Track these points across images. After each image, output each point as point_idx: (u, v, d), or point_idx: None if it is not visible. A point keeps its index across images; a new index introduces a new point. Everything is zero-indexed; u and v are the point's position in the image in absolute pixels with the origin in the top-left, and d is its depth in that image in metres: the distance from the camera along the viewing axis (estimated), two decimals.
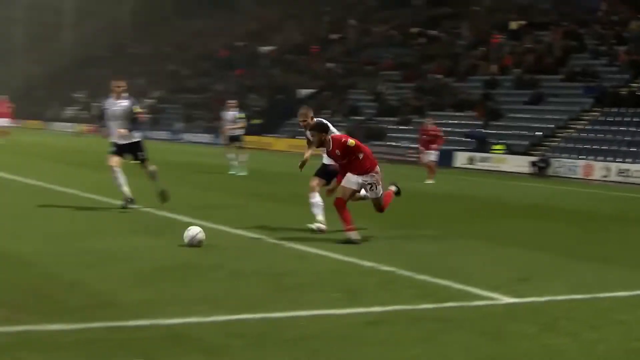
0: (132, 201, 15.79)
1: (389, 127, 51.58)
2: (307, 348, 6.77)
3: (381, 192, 13.23)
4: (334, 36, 71.95)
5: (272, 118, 60.30)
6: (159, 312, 7.67)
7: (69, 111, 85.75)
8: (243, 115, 29.37)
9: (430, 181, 28.45)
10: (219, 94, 64.59)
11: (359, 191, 13.18)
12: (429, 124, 30.75)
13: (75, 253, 10.62)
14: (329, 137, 13.08)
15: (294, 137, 55.24)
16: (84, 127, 70.80)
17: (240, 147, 28.15)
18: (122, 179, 15.84)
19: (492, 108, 48.63)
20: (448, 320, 8.06)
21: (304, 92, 62.70)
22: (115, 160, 16.00)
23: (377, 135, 50.80)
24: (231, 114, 28.68)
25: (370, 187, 13.05)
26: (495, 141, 45.39)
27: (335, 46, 69.98)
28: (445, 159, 42.88)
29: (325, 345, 6.88)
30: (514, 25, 56.80)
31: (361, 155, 12.96)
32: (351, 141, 12.92)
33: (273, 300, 8.49)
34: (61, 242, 11.44)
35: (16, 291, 8.26)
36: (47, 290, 8.39)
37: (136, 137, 16.30)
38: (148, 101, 75.21)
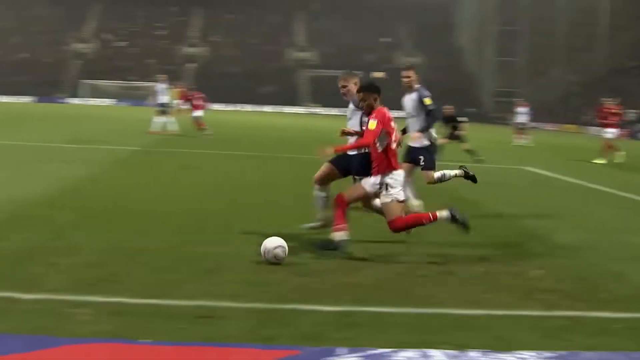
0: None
1: None
2: None
3: (393, 200, 9.01)
4: None
5: None
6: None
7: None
8: None
9: None
10: None
11: (371, 196, 9.30)
12: None
13: (614, 246, 10.38)
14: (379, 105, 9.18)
15: None
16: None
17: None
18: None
19: None
20: None
21: None
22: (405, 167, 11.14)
23: None
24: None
25: (380, 188, 9.07)
26: None
27: None
28: None
29: None
30: None
31: (394, 145, 9.12)
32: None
33: None
34: (600, 235, 11.24)
35: (564, 280, 8.22)
36: (592, 280, 8.28)
37: (425, 141, 11.99)
38: None
